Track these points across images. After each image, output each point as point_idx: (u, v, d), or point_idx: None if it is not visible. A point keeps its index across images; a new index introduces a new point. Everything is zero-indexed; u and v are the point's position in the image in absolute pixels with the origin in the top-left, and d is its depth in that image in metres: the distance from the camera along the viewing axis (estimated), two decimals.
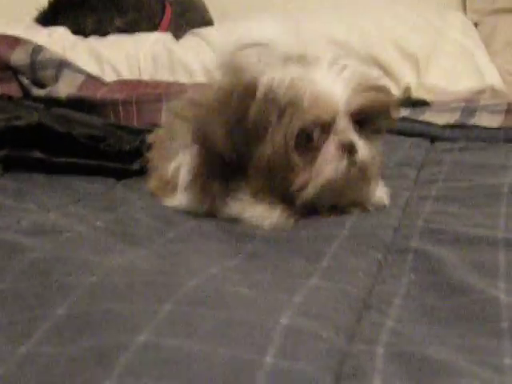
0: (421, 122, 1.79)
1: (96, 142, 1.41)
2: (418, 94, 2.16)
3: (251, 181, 1.09)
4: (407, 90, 2.18)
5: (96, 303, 0.76)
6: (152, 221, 1.12)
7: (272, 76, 1.08)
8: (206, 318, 0.73)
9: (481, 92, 2.07)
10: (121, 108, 1.89)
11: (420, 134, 1.75)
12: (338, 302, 0.80)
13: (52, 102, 1.89)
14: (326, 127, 1.08)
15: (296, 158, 1.07)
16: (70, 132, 1.39)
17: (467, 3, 2.50)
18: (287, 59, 1.13)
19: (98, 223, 1.08)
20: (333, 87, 1.08)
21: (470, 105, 1.91)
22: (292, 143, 1.06)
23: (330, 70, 1.10)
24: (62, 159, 1.38)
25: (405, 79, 2.21)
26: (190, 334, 0.70)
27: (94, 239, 1.00)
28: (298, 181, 1.08)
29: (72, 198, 1.26)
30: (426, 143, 1.70)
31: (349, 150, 1.09)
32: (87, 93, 1.94)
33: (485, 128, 1.73)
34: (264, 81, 1.07)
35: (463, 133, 1.72)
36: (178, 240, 1.03)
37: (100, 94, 1.93)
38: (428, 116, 1.85)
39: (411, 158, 1.54)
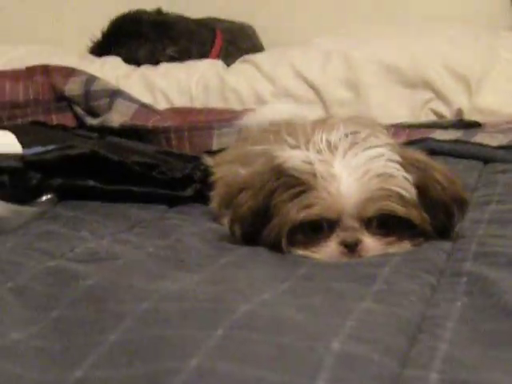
0: (473, 144, 1.77)
1: (149, 170, 1.43)
2: (470, 115, 2.15)
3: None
4: (459, 112, 2.17)
5: (148, 330, 0.76)
6: (204, 246, 1.13)
7: (294, 160, 1.08)
8: (258, 343, 0.73)
9: None
10: (173, 135, 1.91)
11: (473, 156, 1.73)
12: (390, 326, 0.80)
13: (106, 130, 1.91)
14: (332, 223, 1.07)
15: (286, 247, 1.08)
16: (123, 160, 1.41)
17: None
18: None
19: (151, 249, 1.09)
20: (346, 184, 1.05)
21: None
22: (284, 234, 1.07)
23: (349, 161, 1.07)
24: (115, 187, 1.39)
25: (457, 101, 2.20)
26: (243, 359, 0.70)
27: (146, 266, 1.01)
28: None
29: (125, 225, 1.27)
30: (479, 165, 1.69)
31: (352, 249, 1.07)
32: (140, 121, 1.96)
33: None
34: (286, 164, 1.09)
35: None
36: (230, 265, 1.03)
37: (152, 122, 1.96)
38: (480, 138, 1.83)
39: (464, 180, 1.52)
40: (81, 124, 2.06)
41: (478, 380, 0.69)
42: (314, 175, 1.06)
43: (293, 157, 1.09)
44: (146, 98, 2.21)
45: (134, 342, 0.74)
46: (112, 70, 2.39)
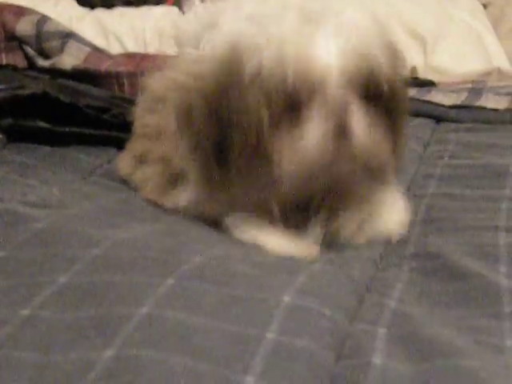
0: (427, 102, 1.78)
1: (101, 113, 1.41)
2: (424, 74, 2.15)
3: (230, 183, 0.90)
4: (414, 70, 2.17)
5: (98, 274, 0.76)
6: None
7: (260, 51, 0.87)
8: (208, 294, 0.73)
9: (488, 74, 2.05)
10: (126, 81, 1.88)
11: (426, 114, 1.74)
12: (340, 284, 0.81)
13: (57, 73, 1.88)
14: (314, 97, 0.86)
15: (271, 140, 0.86)
16: (74, 102, 1.38)
17: None
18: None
19: (103, 202, 1.08)
20: (327, 49, 0.86)
21: (476, 86, 1.91)
22: (266, 119, 0.85)
23: (330, 32, 0.88)
24: (66, 129, 1.37)
25: (412, 59, 2.20)
26: (193, 308, 0.70)
27: (98, 215, 0.99)
28: (274, 171, 0.86)
29: (76, 174, 1.25)
30: (431, 123, 1.70)
31: (342, 129, 0.85)
32: (92, 65, 1.93)
33: (491, 109, 1.72)
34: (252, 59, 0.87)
35: (469, 114, 1.71)
36: (184, 220, 1.01)
37: (105, 66, 1.92)
38: (434, 96, 1.84)
39: (417, 136, 1.53)
40: (31, 65, 2.01)
41: (425, 335, 0.71)
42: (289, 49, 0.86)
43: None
44: (100, 42, 2.17)
45: (83, 285, 0.74)
46: (65, 12, 2.33)
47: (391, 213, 0.98)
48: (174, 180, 1.03)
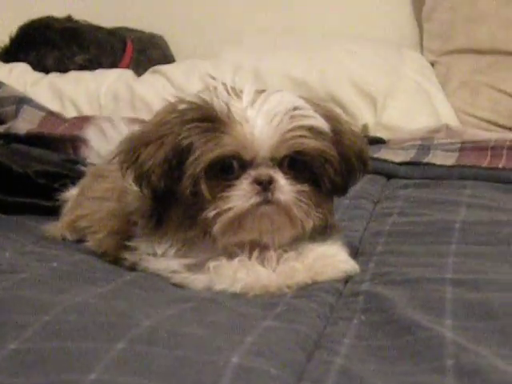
0: (377, 160, 1.81)
1: (52, 182, 1.41)
2: (375, 131, 2.20)
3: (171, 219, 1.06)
4: (365, 128, 2.22)
5: (48, 341, 0.77)
6: (108, 263, 1.13)
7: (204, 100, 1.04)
8: (158, 357, 0.74)
9: (436, 131, 2.10)
10: (81, 144, 1.90)
11: (376, 171, 1.77)
12: (288, 341, 0.82)
13: (11, 138, 1.89)
14: (245, 163, 1.03)
15: (206, 190, 1.02)
16: (26, 171, 1.39)
17: (424, 43, 2.54)
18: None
19: (55, 264, 1.08)
20: (260, 125, 1.02)
21: (425, 143, 1.95)
22: (202, 174, 1.01)
23: (261, 102, 1.03)
24: (19, 199, 1.38)
25: (363, 117, 2.25)
26: (142, 372, 0.71)
27: (49, 280, 1.00)
28: (207, 214, 1.02)
29: (29, 239, 1.25)
30: (382, 180, 1.73)
31: (266, 187, 1.02)
32: (47, 129, 1.94)
33: (439, 166, 1.76)
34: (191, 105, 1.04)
35: (418, 170, 1.75)
36: (135, 282, 1.03)
37: (60, 130, 1.94)
38: (384, 153, 1.88)
39: (368, 193, 1.56)
40: None
41: None
42: (227, 114, 1.01)
43: (202, 98, 1.04)
44: (55, 106, 2.19)
45: (34, 352, 0.74)
46: (20, 77, 2.35)
47: (333, 262, 1.07)
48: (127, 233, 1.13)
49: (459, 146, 1.90)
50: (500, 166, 1.74)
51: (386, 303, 0.94)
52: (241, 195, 1.03)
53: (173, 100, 1.09)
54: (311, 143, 1.04)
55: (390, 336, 0.86)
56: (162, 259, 1.07)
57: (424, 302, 0.94)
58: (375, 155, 1.85)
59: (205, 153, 1.01)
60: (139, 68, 2.50)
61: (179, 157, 1.03)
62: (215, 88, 1.06)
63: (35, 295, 0.90)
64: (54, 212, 1.38)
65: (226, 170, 1.04)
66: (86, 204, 1.26)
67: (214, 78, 2.23)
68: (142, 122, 1.26)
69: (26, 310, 0.85)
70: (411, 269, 1.08)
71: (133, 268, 1.10)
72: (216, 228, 1.02)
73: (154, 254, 1.08)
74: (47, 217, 1.38)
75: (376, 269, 1.10)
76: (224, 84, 1.07)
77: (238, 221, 1.03)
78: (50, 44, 2.44)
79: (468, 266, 1.08)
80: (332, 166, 1.06)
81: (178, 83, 2.33)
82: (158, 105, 2.22)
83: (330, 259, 1.07)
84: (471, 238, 1.22)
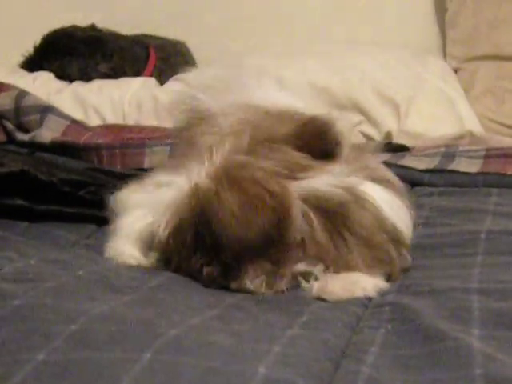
0: (401, 167, 1.81)
1: (77, 189, 1.42)
2: (398, 138, 2.19)
3: None
4: (388, 135, 2.21)
5: (76, 351, 0.77)
6: (134, 270, 1.13)
7: None
8: (186, 367, 0.74)
9: (460, 138, 2.09)
10: (104, 152, 1.90)
11: (401, 179, 1.76)
12: (315, 351, 0.82)
13: (36, 146, 1.90)
14: None
15: None
16: (52, 180, 1.40)
17: (447, 49, 2.53)
18: None
19: (81, 272, 1.09)
20: None
21: (449, 150, 1.94)
22: None
23: None
24: (43, 207, 1.38)
25: (386, 124, 2.24)
26: (170, 383, 0.71)
27: (75, 288, 1.00)
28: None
29: (54, 247, 1.26)
30: (407, 188, 1.72)
31: None
32: (71, 138, 1.95)
33: (464, 173, 1.75)
34: None
35: (442, 178, 1.74)
36: (159, 288, 1.03)
37: (84, 138, 1.95)
38: (408, 161, 1.87)
39: None
40: (11, 139, 2.03)
41: None
42: None
43: None
44: (78, 115, 2.20)
45: (61, 362, 0.75)
46: (43, 86, 2.36)
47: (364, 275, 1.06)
48: None
49: (484, 153, 1.88)
50: None
51: (413, 313, 0.94)
52: None
53: None
54: None
55: (417, 345, 0.85)
56: None
57: (451, 312, 0.94)
58: (399, 162, 1.84)
59: None
60: (162, 75, 2.51)
61: None
62: None
63: (61, 304, 0.90)
64: (78, 219, 1.39)
65: None
66: None
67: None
68: None
69: (53, 318, 0.85)
70: (437, 280, 1.07)
71: None
72: None
73: None
74: (71, 224, 1.38)
75: (402, 281, 1.09)
76: None
77: None
78: (74, 53, 2.45)
79: (495, 276, 1.08)
80: None
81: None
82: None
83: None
84: (497, 248, 1.22)
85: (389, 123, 2.24)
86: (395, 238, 1.10)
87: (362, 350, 0.85)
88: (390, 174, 1.23)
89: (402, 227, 1.12)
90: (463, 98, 2.34)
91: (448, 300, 0.98)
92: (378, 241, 1.07)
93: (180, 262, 1.07)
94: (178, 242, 1.07)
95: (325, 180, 1.07)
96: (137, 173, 1.44)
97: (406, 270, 1.12)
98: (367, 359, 0.82)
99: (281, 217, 1.02)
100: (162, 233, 1.08)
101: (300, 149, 1.13)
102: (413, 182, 1.75)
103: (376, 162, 1.26)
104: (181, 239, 1.06)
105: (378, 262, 1.07)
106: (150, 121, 2.27)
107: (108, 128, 2.12)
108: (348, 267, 1.05)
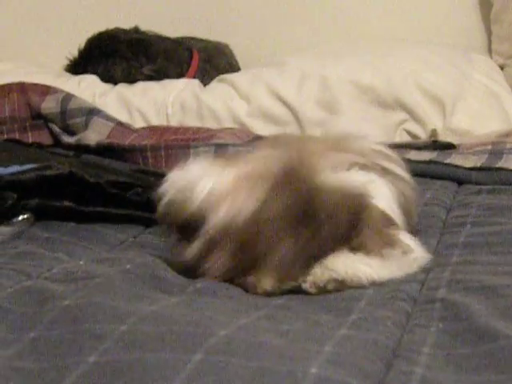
0: (448, 165, 1.79)
1: (124, 191, 1.43)
2: (444, 136, 2.17)
3: None
4: (433, 133, 2.19)
5: (127, 352, 0.77)
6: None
7: None
8: (236, 368, 0.73)
9: (507, 135, 2.07)
10: (149, 154, 1.91)
11: (447, 177, 1.75)
12: (367, 351, 0.81)
13: (82, 149, 1.91)
14: None
15: None
16: (99, 182, 1.41)
17: (492, 46, 2.51)
18: None
19: (129, 266, 1.09)
20: None
21: (496, 148, 1.91)
22: None
23: None
24: (91, 208, 1.40)
25: (431, 122, 2.22)
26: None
27: (123, 285, 1.00)
28: None
29: (103, 247, 1.27)
30: (453, 186, 1.70)
31: None
32: (116, 140, 1.96)
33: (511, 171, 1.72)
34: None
35: (490, 176, 1.72)
36: (207, 290, 1.03)
37: (129, 140, 1.96)
38: (455, 159, 1.85)
39: (440, 199, 1.54)
40: (57, 142, 2.05)
41: None
42: None
43: None
44: (123, 117, 2.21)
45: (113, 364, 0.75)
46: (88, 88, 2.39)
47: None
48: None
49: None
50: None
51: (465, 311, 0.92)
52: None
53: None
54: None
55: (470, 344, 0.84)
56: None
57: (504, 310, 0.92)
58: (445, 161, 1.83)
59: None
60: (205, 77, 2.52)
61: None
62: None
63: (110, 303, 0.90)
64: (125, 221, 1.40)
65: None
66: None
67: None
68: None
69: (102, 318, 0.85)
70: (488, 276, 1.06)
71: None
72: None
73: None
74: (118, 225, 1.39)
75: (452, 276, 1.08)
76: None
77: None
78: (118, 55, 2.47)
79: None
80: None
81: (243, 91, 2.34)
82: (224, 114, 2.27)
83: None
84: None
85: (434, 121, 2.22)
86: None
87: (413, 349, 0.84)
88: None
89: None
90: (510, 95, 2.31)
91: (500, 297, 0.96)
92: None
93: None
94: None
95: None
96: None
97: None
98: (420, 359, 0.81)
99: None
100: None
101: None
102: (460, 180, 1.74)
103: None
104: None
105: None
106: (193, 122, 2.28)
107: (152, 130, 2.13)
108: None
